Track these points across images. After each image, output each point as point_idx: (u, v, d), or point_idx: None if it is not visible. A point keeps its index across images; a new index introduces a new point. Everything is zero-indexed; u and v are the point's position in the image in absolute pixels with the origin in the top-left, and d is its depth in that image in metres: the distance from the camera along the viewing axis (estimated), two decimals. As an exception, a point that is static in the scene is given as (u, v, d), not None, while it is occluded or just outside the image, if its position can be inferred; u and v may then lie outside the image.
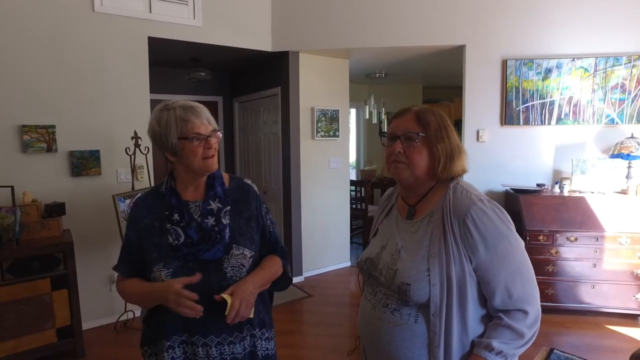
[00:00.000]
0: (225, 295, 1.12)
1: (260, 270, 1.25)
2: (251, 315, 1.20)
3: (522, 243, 1.04)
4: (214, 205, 1.24)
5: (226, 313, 1.11)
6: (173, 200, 1.23)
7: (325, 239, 4.48)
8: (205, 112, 1.21)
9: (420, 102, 6.80)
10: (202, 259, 1.18)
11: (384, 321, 1.07)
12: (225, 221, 1.23)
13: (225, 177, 1.33)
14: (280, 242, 1.39)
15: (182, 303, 1.08)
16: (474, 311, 1.02)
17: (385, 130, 6.46)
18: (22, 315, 2.56)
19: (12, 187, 2.68)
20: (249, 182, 1.37)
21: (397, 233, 1.14)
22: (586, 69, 3.57)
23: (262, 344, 1.27)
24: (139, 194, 1.31)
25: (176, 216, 1.21)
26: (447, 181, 1.09)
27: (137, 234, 1.23)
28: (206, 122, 1.19)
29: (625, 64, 3.51)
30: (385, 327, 1.07)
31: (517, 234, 1.04)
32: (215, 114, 5.25)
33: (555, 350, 2.27)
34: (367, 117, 5.90)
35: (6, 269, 2.50)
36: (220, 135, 1.23)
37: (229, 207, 1.26)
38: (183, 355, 1.19)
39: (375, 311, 1.10)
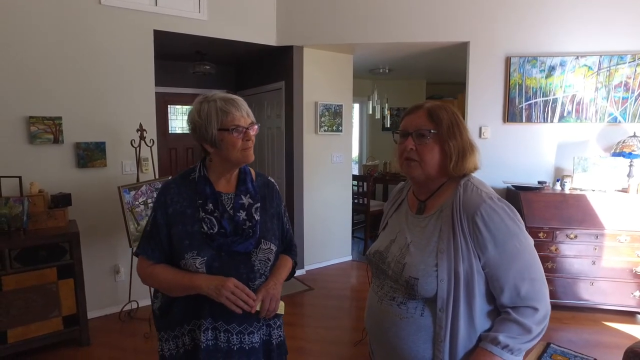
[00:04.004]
0: (258, 305, 1.21)
1: (281, 269, 1.34)
2: (281, 312, 1.28)
3: (532, 241, 1.04)
4: (245, 200, 1.28)
5: (258, 309, 1.21)
6: (207, 189, 1.26)
7: (327, 233, 4.52)
8: (244, 105, 1.24)
9: (424, 98, 6.79)
10: (234, 250, 1.22)
11: (391, 314, 1.09)
12: (257, 217, 1.28)
13: (252, 172, 1.37)
14: (294, 241, 1.45)
15: (240, 297, 1.15)
16: (481, 307, 1.02)
17: (388, 126, 6.47)
18: (30, 303, 2.62)
19: (20, 177, 2.72)
20: (272, 179, 1.42)
21: (407, 227, 1.14)
22: (590, 67, 3.57)
23: (275, 332, 1.34)
24: (167, 180, 1.32)
25: (210, 206, 1.24)
26: (458, 177, 1.10)
27: (166, 220, 1.24)
28: (245, 114, 1.23)
29: (629, 62, 3.51)
30: (392, 320, 1.08)
31: (526, 232, 1.04)
32: (219, 108, 5.30)
33: (551, 345, 2.30)
34: (370, 112, 5.91)
35: (14, 258, 2.55)
36: (258, 128, 1.26)
37: (259, 204, 1.30)
38: (213, 340, 1.22)
39: (382, 304, 1.12)
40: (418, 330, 1.04)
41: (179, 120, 5.10)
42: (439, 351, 1.02)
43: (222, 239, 1.22)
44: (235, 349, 1.23)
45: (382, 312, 1.12)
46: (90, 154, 3.17)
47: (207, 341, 1.21)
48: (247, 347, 1.24)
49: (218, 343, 1.22)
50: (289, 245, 1.43)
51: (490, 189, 1.09)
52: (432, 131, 1.06)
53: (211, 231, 1.22)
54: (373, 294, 1.18)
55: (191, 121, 1.24)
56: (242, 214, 1.26)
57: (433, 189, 1.12)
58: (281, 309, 1.28)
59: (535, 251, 1.04)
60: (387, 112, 6.13)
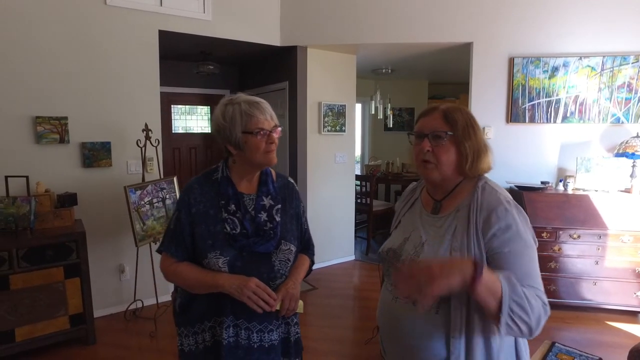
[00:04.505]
0: (278, 305, 1.24)
1: (300, 269, 1.37)
2: (300, 311, 1.30)
3: (535, 250, 1.04)
4: (267, 201, 1.30)
5: (278, 308, 1.24)
6: (230, 190, 1.28)
7: (330, 232, 4.53)
8: (268, 108, 1.26)
9: (426, 98, 6.81)
10: (255, 251, 1.24)
11: (406, 312, 1.10)
12: (278, 218, 1.30)
13: (273, 173, 1.39)
14: (311, 241, 1.47)
15: (262, 297, 1.19)
16: None
17: (391, 126, 6.49)
18: (37, 302, 2.63)
19: (27, 177, 2.73)
20: (292, 180, 1.44)
21: (421, 226, 1.16)
22: (593, 68, 3.58)
23: (293, 329, 1.37)
24: (191, 180, 1.34)
25: (232, 206, 1.26)
26: (474, 178, 1.11)
27: (190, 219, 1.26)
28: (269, 117, 1.24)
29: (632, 63, 3.52)
30: (407, 318, 1.09)
31: (533, 241, 1.04)
32: (222, 108, 5.31)
33: (556, 344, 2.32)
34: (373, 112, 5.92)
35: (21, 257, 2.57)
36: (281, 130, 1.28)
37: (280, 205, 1.32)
38: (235, 337, 1.25)
39: (397, 302, 1.13)
40: (433, 328, 1.05)
41: (182, 120, 5.11)
42: (454, 348, 1.02)
43: (244, 240, 1.24)
44: (255, 346, 1.26)
45: (396, 310, 1.13)
46: (95, 154, 3.19)
47: (229, 338, 1.23)
48: (266, 345, 1.27)
49: (239, 340, 1.25)
50: (307, 245, 1.45)
51: (506, 193, 1.10)
52: (448, 133, 1.07)
53: (234, 232, 1.24)
54: (387, 292, 1.19)
55: (215, 123, 1.25)
56: (263, 215, 1.28)
57: (449, 189, 1.14)
58: (300, 307, 1.31)
59: (536, 260, 1.04)
60: (389, 112, 6.14)
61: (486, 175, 1.15)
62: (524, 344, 1.13)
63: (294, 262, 1.34)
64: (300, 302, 1.31)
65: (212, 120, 1.27)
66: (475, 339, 1.02)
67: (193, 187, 1.30)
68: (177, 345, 1.34)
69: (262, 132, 1.22)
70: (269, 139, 1.24)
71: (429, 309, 1.04)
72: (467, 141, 1.07)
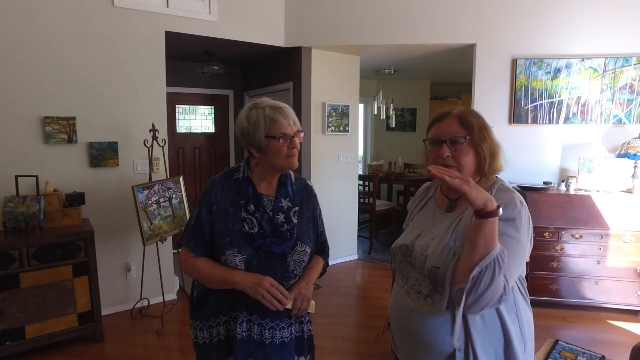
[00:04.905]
0: (290, 304, 1.28)
1: (314, 270, 1.41)
2: (312, 311, 1.34)
3: (524, 251, 1.09)
4: (285, 203, 1.34)
5: (290, 307, 1.28)
6: (250, 191, 1.31)
7: (333, 232, 4.56)
8: (292, 113, 1.29)
9: (429, 99, 6.85)
10: (272, 251, 1.28)
11: (417, 307, 1.14)
12: (295, 221, 1.33)
13: (292, 175, 1.42)
14: (327, 243, 1.51)
15: (275, 295, 1.22)
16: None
17: (393, 126, 6.52)
18: (46, 300, 2.67)
19: (37, 177, 2.77)
20: (311, 184, 1.47)
21: (433, 224, 1.20)
22: (595, 70, 3.61)
23: (306, 327, 1.42)
24: (213, 178, 1.38)
25: (252, 207, 1.30)
26: (490, 179, 1.17)
27: (210, 216, 1.30)
28: (292, 123, 1.27)
29: (634, 65, 3.55)
30: (419, 312, 1.13)
31: (526, 241, 1.09)
32: (226, 108, 5.34)
33: (559, 342, 2.36)
34: (376, 112, 5.96)
35: (32, 256, 2.60)
36: (303, 135, 1.31)
37: (297, 208, 1.35)
38: (248, 332, 1.29)
39: (409, 297, 1.17)
40: (444, 323, 1.09)
41: (186, 120, 5.14)
42: (459, 342, 1.07)
43: (262, 240, 1.28)
44: (267, 343, 1.29)
45: (408, 305, 1.17)
46: (103, 154, 3.22)
47: (242, 333, 1.28)
48: (277, 342, 1.31)
49: (252, 335, 1.29)
50: (323, 247, 1.49)
51: (520, 196, 1.15)
52: (466, 138, 1.12)
53: (252, 231, 1.28)
54: (399, 288, 1.23)
55: (240, 126, 1.28)
56: (281, 217, 1.32)
57: None
58: (312, 308, 1.34)
59: (521, 260, 1.08)
60: (392, 113, 6.17)
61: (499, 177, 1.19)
62: (530, 341, 1.16)
63: (308, 263, 1.38)
64: (313, 303, 1.35)
65: (237, 123, 1.30)
66: (478, 331, 1.06)
67: (215, 185, 1.34)
68: (192, 338, 1.38)
69: (284, 137, 1.25)
70: (291, 144, 1.27)
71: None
72: (484, 143, 1.12)
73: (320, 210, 1.48)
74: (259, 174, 1.34)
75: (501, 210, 0.96)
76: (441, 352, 1.10)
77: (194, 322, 1.37)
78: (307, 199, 1.42)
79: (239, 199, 1.31)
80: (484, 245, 0.96)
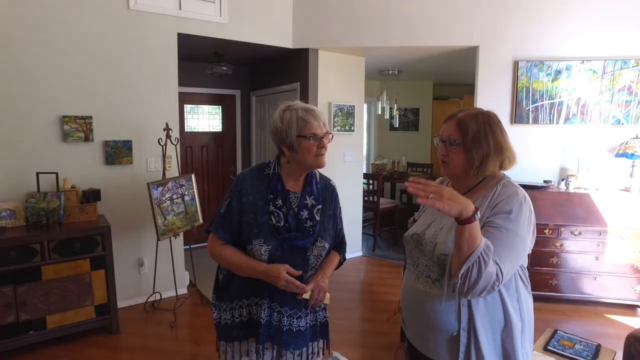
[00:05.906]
0: (306, 295, 1.38)
1: (330, 264, 1.52)
2: (327, 302, 1.45)
3: (523, 244, 1.16)
4: (309, 201, 1.44)
5: (307, 298, 1.39)
6: (279, 186, 1.41)
7: (338, 229, 4.66)
8: (322, 115, 1.39)
9: (431, 99, 6.95)
10: (294, 244, 1.39)
11: (426, 289, 1.25)
12: (317, 217, 1.44)
13: (317, 175, 1.52)
14: (344, 240, 1.63)
15: (293, 282, 1.33)
16: (508, 282, 1.19)
17: (397, 126, 6.63)
18: (66, 292, 2.78)
19: (56, 173, 2.88)
20: (333, 183, 1.58)
21: (442, 215, 1.28)
22: (595, 71, 3.72)
23: (321, 314, 1.53)
24: (243, 171, 1.48)
25: (279, 201, 1.40)
26: (495, 177, 1.27)
27: (240, 207, 1.40)
28: (322, 124, 1.37)
29: (633, 66, 3.65)
30: (427, 295, 1.25)
31: (525, 235, 1.17)
32: (232, 107, 5.44)
33: (558, 331, 2.47)
34: (379, 112, 6.06)
35: (52, 249, 2.71)
36: (332, 137, 1.41)
37: (320, 206, 1.46)
38: (268, 317, 1.40)
39: (419, 281, 1.29)
40: (450, 305, 1.20)
41: (194, 119, 5.25)
42: (462, 321, 1.18)
43: (286, 233, 1.38)
44: (284, 329, 1.41)
45: (418, 289, 1.28)
46: (117, 152, 3.33)
47: (265, 317, 1.39)
48: (294, 329, 1.42)
49: (271, 321, 1.40)
50: (340, 243, 1.61)
51: (525, 192, 1.25)
52: (457, 141, 1.23)
53: (278, 224, 1.38)
54: (409, 273, 1.35)
55: (273, 126, 1.39)
56: (305, 213, 1.42)
57: (469, 185, 1.29)
58: (327, 299, 1.46)
59: (517, 253, 1.16)
60: (395, 112, 6.27)
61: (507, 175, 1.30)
62: (529, 332, 1.27)
63: (325, 257, 1.49)
64: (327, 295, 1.45)
65: (270, 122, 1.41)
66: (480, 311, 1.17)
67: (245, 178, 1.44)
68: (214, 318, 1.49)
69: (314, 137, 1.35)
70: (320, 144, 1.36)
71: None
72: (476, 150, 1.21)
73: (340, 208, 1.59)
74: (288, 171, 1.43)
75: (478, 214, 1.04)
76: (446, 331, 1.21)
77: (219, 303, 1.48)
78: (329, 198, 1.52)
79: (267, 193, 1.40)
80: (467, 247, 1.05)
